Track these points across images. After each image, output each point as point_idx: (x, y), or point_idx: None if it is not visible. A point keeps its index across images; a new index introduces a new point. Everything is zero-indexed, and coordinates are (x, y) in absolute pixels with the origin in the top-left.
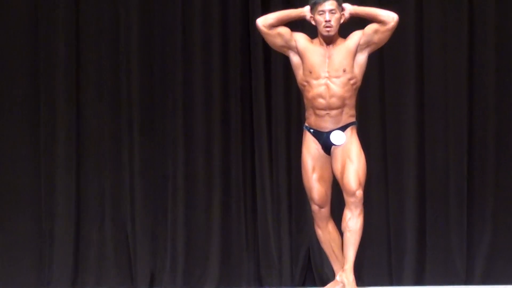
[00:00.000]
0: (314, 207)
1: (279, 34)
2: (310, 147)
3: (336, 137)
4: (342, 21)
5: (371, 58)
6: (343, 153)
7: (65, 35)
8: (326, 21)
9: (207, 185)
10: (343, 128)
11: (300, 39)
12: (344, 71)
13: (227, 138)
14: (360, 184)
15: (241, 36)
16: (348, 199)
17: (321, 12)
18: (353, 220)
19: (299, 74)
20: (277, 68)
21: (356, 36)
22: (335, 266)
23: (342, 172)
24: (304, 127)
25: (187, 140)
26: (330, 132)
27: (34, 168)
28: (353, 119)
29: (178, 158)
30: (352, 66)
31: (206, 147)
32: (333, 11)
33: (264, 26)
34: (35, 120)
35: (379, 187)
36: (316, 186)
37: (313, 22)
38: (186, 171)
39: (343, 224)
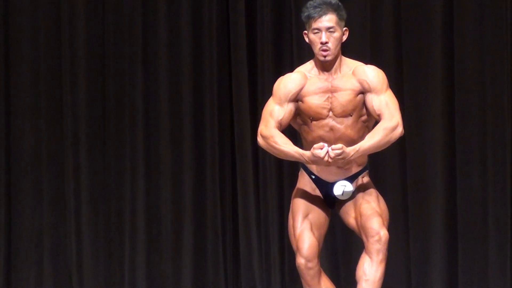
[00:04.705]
0: (300, 261)
1: (290, 114)
2: (307, 191)
3: (341, 190)
4: (344, 39)
5: (387, 58)
6: (355, 201)
7: None
8: (322, 43)
9: (175, 224)
10: (351, 178)
11: (294, 87)
12: (351, 115)
13: (201, 162)
14: (383, 223)
15: (218, 30)
16: (369, 242)
17: (316, 31)
18: (372, 267)
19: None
20: (264, 76)
21: (363, 83)
22: None
23: (359, 216)
24: (301, 168)
25: (149, 164)
26: (335, 183)
27: None
28: (365, 164)
29: (138, 188)
30: (361, 108)
31: (173, 174)
32: (332, 29)
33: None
34: None
35: (397, 225)
36: (306, 235)
37: (306, 40)
38: (148, 204)
39: (359, 272)
